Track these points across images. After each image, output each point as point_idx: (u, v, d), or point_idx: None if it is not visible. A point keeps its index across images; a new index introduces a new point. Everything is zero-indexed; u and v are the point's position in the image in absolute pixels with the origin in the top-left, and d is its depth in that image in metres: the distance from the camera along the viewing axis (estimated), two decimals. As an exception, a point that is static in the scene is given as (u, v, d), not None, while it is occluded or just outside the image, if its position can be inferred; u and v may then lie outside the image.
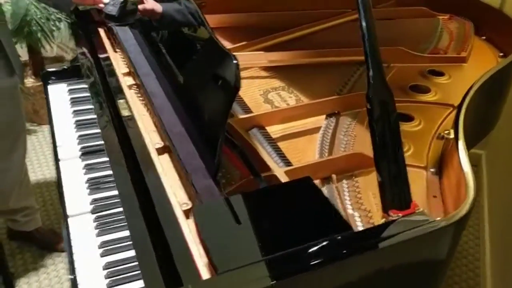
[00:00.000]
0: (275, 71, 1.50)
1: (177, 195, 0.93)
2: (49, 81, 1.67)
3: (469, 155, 0.98)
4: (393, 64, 1.53)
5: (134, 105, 1.21)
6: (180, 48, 1.21)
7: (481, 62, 1.57)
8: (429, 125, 1.25)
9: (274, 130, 1.21)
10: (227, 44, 1.61)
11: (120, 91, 1.27)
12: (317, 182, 1.05)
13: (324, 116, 1.27)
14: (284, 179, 0.97)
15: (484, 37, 1.74)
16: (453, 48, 1.63)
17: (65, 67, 1.67)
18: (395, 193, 0.81)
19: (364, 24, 0.87)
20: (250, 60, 1.51)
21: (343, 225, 0.77)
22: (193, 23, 1.21)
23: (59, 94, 1.60)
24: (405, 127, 1.24)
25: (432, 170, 1.08)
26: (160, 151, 1.06)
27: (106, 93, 1.30)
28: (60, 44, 2.67)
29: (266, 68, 1.51)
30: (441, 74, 1.49)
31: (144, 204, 0.92)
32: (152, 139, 1.09)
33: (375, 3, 1.78)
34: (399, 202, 0.81)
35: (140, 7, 1.54)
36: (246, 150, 1.05)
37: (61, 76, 1.68)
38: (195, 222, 0.78)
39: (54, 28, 2.28)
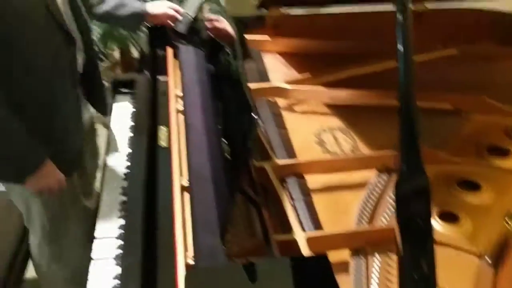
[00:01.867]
0: (336, 108, 1.38)
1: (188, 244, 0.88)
2: (118, 91, 1.71)
3: None
4: (473, 115, 1.33)
5: (176, 132, 1.18)
6: (232, 84, 1.15)
7: None
8: (500, 200, 1.06)
9: (315, 180, 1.11)
10: (293, 73, 1.53)
11: (166, 115, 1.24)
12: (345, 252, 0.93)
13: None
14: (303, 247, 0.87)
15: None
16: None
17: (134, 79, 1.71)
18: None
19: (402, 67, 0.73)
20: (312, 95, 1.41)
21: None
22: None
23: (123, 105, 1.64)
24: (467, 197, 1.06)
25: (487, 259, 0.91)
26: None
27: (151, 113, 1.28)
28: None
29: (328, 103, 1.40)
30: (532, 135, 1.27)
31: (146, 242, 0.88)
32: (184, 174, 1.05)
33: (472, 40, 1.60)
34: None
35: (208, 24, 1.51)
36: (272, 203, 0.97)
37: (131, 86, 1.72)
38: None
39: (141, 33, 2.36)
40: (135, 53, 2.68)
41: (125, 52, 2.71)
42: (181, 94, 1.33)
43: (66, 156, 1.30)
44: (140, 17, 1.56)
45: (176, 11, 1.54)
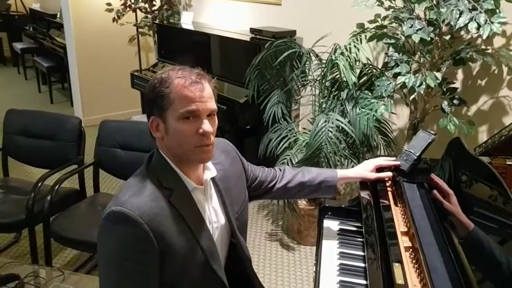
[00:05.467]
0: None
1: None
2: (325, 215, 1.75)
3: None
4: None
5: (407, 271, 1.14)
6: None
7: None
8: None
9: None
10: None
11: (395, 252, 1.22)
12: None
13: None
14: None
15: None
16: None
17: (342, 205, 1.75)
18: None
19: None
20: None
21: None
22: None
23: (331, 230, 1.66)
24: None
25: None
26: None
27: (381, 247, 1.27)
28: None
29: None
30: None
31: None
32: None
33: None
34: None
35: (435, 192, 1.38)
36: None
37: (336, 213, 1.75)
38: None
39: (338, 163, 2.46)
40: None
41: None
42: (403, 229, 1.32)
43: None
44: (335, 188, 1.59)
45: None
